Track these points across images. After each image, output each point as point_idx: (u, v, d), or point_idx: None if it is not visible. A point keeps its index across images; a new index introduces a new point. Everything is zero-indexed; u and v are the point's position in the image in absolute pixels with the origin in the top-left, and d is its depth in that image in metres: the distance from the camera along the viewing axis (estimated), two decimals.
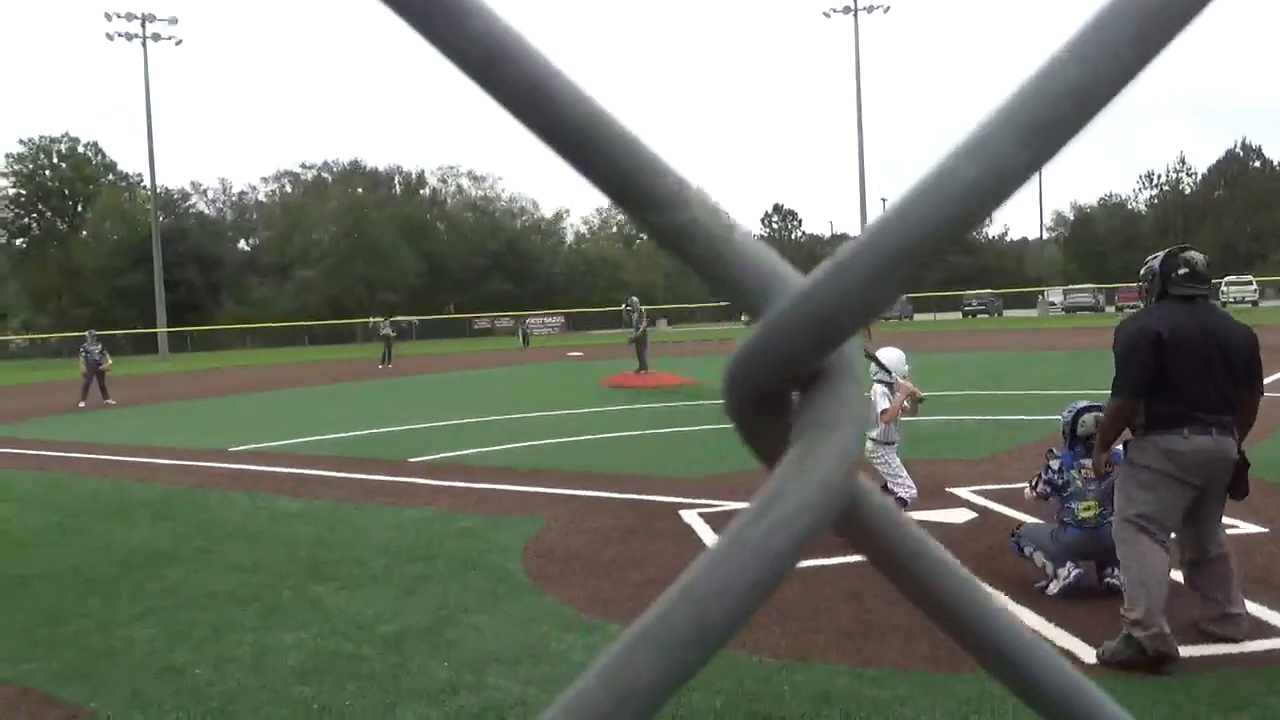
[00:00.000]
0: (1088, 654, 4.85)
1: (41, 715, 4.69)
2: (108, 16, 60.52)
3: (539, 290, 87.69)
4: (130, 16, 60.70)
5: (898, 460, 7.39)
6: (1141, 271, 5.30)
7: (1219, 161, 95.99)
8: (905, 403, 7.34)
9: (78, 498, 9.88)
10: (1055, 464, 5.90)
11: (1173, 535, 5.09)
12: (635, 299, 24.88)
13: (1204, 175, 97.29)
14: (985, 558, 6.55)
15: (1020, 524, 6.04)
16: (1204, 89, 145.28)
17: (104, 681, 5.02)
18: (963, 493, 8.64)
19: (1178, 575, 5.19)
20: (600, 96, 0.34)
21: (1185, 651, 4.78)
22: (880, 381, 7.45)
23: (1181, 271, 5.03)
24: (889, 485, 7.32)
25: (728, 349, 0.38)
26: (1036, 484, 6.01)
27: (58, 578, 7.04)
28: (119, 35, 60.66)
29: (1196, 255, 5.09)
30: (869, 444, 7.44)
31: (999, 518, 7.67)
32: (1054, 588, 5.74)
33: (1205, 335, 4.93)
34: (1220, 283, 60.27)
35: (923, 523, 7.38)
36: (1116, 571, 5.41)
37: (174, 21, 62.09)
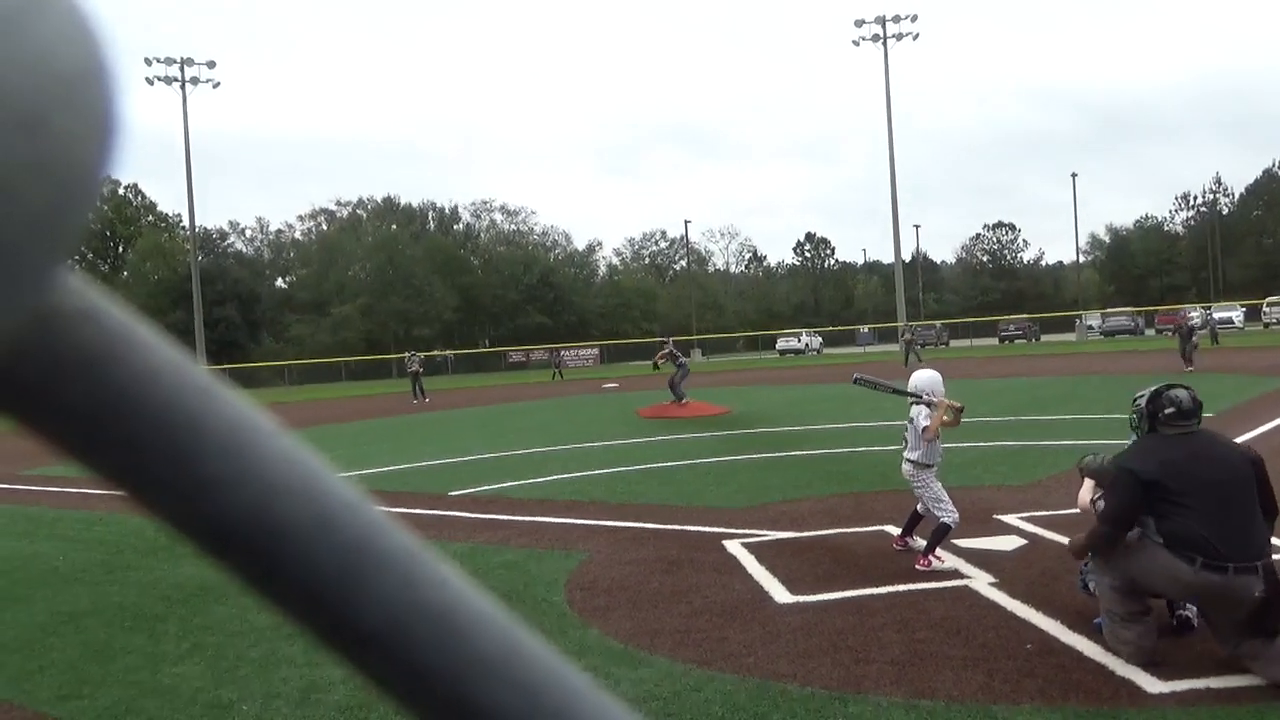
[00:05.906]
0: (1149, 684, 4.73)
1: None
2: (148, 61, 61.51)
3: (573, 323, 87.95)
4: (170, 61, 61.67)
5: (939, 484, 7.28)
6: (1130, 410, 5.48)
7: (1256, 181, 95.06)
8: (946, 416, 7.23)
9: (122, 534, 9.93)
10: None
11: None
12: (668, 340, 24.86)
13: (1241, 195, 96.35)
14: (1038, 584, 6.43)
15: (1087, 560, 5.84)
16: (1238, 108, 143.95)
17: (153, 719, 5.02)
18: (1010, 519, 8.50)
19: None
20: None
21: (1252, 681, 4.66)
22: (917, 403, 7.37)
23: (1168, 411, 5.15)
24: (931, 509, 7.21)
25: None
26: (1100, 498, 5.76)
27: (105, 614, 7.07)
28: (158, 79, 61.70)
29: (1182, 393, 5.20)
30: (908, 467, 7.35)
31: (1049, 544, 7.52)
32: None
33: (1212, 463, 4.93)
34: (1263, 303, 59.68)
35: (972, 550, 7.33)
36: (1188, 605, 5.29)
37: (212, 65, 63.06)
